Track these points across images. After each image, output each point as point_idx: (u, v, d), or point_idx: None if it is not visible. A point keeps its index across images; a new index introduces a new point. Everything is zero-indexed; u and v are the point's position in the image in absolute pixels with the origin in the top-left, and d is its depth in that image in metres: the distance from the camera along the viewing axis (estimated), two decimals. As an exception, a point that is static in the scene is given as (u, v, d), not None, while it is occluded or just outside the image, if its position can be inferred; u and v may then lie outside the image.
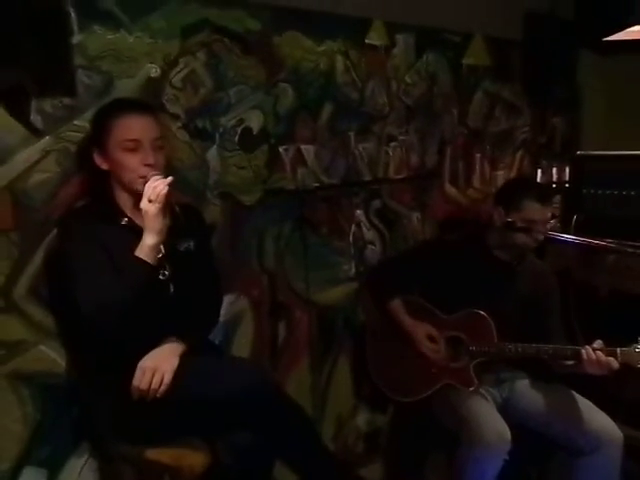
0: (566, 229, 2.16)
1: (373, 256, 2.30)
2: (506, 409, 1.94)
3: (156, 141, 1.44)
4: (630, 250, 1.83)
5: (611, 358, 1.70)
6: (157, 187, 1.31)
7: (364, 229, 2.27)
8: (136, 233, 1.38)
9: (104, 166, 1.44)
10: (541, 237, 1.87)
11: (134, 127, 1.41)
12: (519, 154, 2.79)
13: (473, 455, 1.76)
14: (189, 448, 1.32)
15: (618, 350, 1.72)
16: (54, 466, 1.59)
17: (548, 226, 1.89)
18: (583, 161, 2.17)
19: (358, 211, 2.24)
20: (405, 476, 2.30)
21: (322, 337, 2.18)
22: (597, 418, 1.81)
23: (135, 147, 1.40)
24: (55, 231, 1.49)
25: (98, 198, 1.49)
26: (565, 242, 1.74)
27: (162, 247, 1.40)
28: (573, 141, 2.95)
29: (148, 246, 1.32)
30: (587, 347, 1.73)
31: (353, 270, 2.24)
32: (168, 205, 1.33)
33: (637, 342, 1.72)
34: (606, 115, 2.88)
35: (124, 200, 1.46)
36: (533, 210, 1.85)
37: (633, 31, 2.05)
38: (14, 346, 1.51)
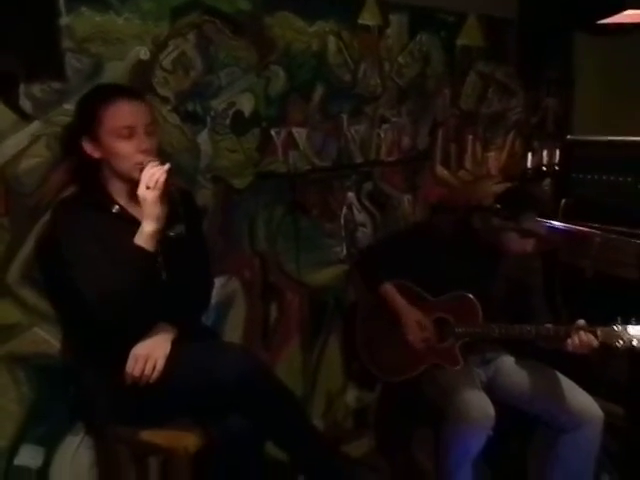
0: (554, 213, 2.18)
1: (364, 238, 2.32)
2: (491, 388, 2.00)
3: (149, 126, 1.43)
4: (615, 237, 1.86)
5: (592, 337, 1.76)
6: (155, 174, 1.31)
7: (355, 211, 2.29)
8: (128, 221, 1.38)
9: (95, 154, 1.42)
10: (529, 248, 1.90)
11: (127, 113, 1.39)
12: (511, 135, 2.80)
13: (458, 431, 1.82)
14: (183, 430, 1.36)
15: (598, 330, 1.78)
16: (50, 444, 1.64)
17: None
18: (572, 146, 2.18)
19: (350, 193, 2.25)
20: (393, 451, 2.37)
21: (313, 317, 2.21)
22: (579, 397, 1.87)
23: (130, 134, 1.39)
24: (47, 218, 1.49)
25: (88, 186, 1.48)
26: (552, 228, 1.76)
27: None
28: (566, 122, 2.95)
29: (147, 233, 1.33)
30: (569, 327, 1.78)
31: (344, 252, 2.27)
32: (166, 192, 1.33)
33: (616, 322, 1.77)
34: (600, 96, 2.87)
35: (116, 188, 1.46)
36: (532, 222, 1.85)
37: (628, 14, 2.03)
38: (9, 329, 1.54)
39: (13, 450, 1.57)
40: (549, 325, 1.88)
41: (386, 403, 2.42)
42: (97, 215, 1.41)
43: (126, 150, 1.39)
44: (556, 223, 1.81)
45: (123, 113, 1.39)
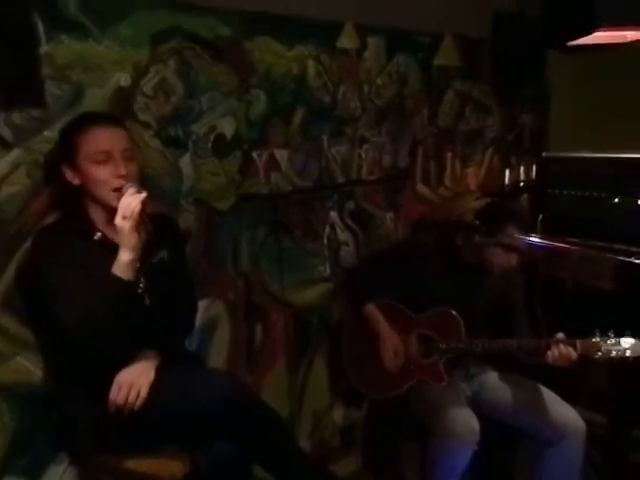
0: (532, 228, 2.22)
1: (347, 256, 2.34)
2: (476, 402, 2.02)
3: (126, 152, 1.43)
4: (591, 252, 1.90)
5: (571, 349, 1.79)
6: (131, 204, 1.32)
7: (338, 230, 2.31)
8: (110, 248, 1.38)
9: (75, 181, 1.43)
10: (513, 262, 1.93)
11: (103, 139, 1.40)
12: (489, 152, 2.85)
13: (444, 446, 1.84)
14: (168, 457, 1.35)
15: (578, 342, 1.81)
16: (34, 474, 1.62)
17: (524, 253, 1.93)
18: (548, 162, 2.23)
19: (332, 213, 2.27)
20: (381, 468, 2.37)
21: (298, 337, 2.22)
22: (562, 409, 1.90)
23: (106, 159, 1.40)
24: (28, 246, 1.49)
25: (70, 213, 1.49)
26: (531, 244, 1.80)
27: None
28: (542, 137, 3.02)
29: (124, 262, 1.33)
30: (550, 339, 1.82)
31: (328, 271, 2.28)
32: (142, 221, 1.34)
33: (594, 334, 1.81)
34: (575, 111, 2.94)
35: (97, 215, 1.46)
36: (512, 235, 1.88)
37: (597, 36, 2.10)
38: (-10, 359, 1.52)
39: (-5, 482, 1.55)
40: (531, 339, 1.91)
41: (373, 420, 2.43)
42: (78, 242, 1.41)
43: (102, 175, 1.40)
44: (535, 239, 1.85)
45: (99, 138, 1.40)
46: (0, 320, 1.53)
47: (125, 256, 1.33)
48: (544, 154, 2.27)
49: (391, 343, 2.03)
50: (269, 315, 2.13)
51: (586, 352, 1.81)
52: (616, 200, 2.10)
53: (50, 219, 1.53)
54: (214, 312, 1.98)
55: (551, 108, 2.99)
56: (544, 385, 1.98)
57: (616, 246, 1.97)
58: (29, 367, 1.57)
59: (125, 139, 1.45)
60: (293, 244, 2.16)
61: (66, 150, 1.43)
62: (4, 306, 1.53)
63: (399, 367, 2.02)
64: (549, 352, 1.81)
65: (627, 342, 1.77)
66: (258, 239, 2.05)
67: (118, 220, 1.32)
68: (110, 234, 1.44)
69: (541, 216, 2.20)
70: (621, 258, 1.91)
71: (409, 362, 2.03)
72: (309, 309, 2.24)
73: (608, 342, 1.79)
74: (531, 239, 1.82)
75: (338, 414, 2.39)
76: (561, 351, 1.80)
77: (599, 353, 1.79)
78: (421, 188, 2.60)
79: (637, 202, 2.09)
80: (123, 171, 1.39)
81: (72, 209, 1.48)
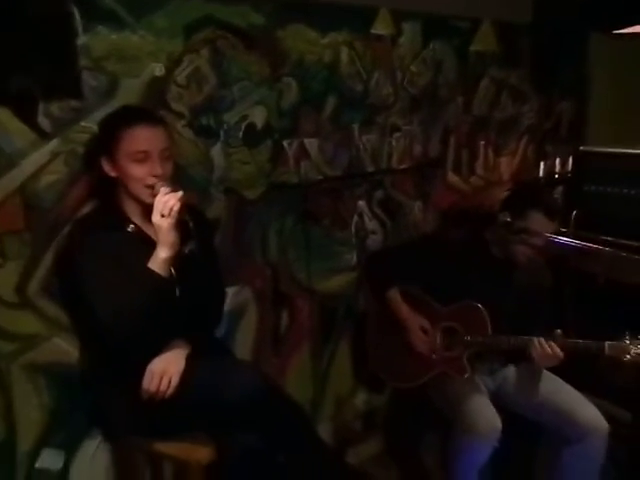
0: (565, 224, 2.18)
1: (375, 245, 2.34)
2: (498, 397, 2.03)
3: (164, 151, 1.46)
4: (625, 255, 1.85)
5: (557, 350, 1.79)
6: (169, 202, 1.34)
7: (366, 219, 2.31)
8: (143, 240, 1.42)
9: (112, 173, 1.47)
10: (539, 246, 1.90)
11: (143, 138, 1.43)
12: (524, 140, 2.78)
13: (465, 442, 1.86)
14: (196, 443, 1.41)
15: (606, 344, 1.79)
16: (70, 448, 1.71)
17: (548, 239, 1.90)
18: (585, 157, 2.16)
19: (360, 202, 2.27)
20: (402, 454, 2.42)
21: (323, 324, 2.25)
22: (585, 409, 1.89)
23: (144, 158, 1.43)
24: (65, 234, 1.54)
25: (105, 204, 1.53)
26: (560, 244, 1.77)
27: None
28: (580, 127, 2.92)
29: (162, 259, 1.37)
30: (538, 339, 1.82)
31: (355, 259, 2.29)
32: (180, 219, 1.36)
33: (624, 337, 1.78)
34: (615, 100, 2.83)
35: (131, 207, 1.50)
36: (538, 222, 1.87)
37: (642, 27, 2.01)
38: (29, 339, 1.60)
39: (34, 454, 1.64)
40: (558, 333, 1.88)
41: (395, 406, 2.46)
42: (113, 234, 1.45)
43: (138, 174, 1.43)
44: (566, 237, 1.81)
45: (140, 138, 1.43)
46: (38, 303, 1.59)
47: (163, 253, 1.36)
48: (581, 148, 2.20)
49: (415, 321, 2.03)
50: (295, 302, 2.16)
51: (614, 354, 1.79)
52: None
53: (86, 209, 1.58)
54: (242, 298, 2.02)
55: (592, 95, 2.88)
56: (569, 379, 1.97)
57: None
58: (66, 348, 1.65)
59: (165, 139, 1.47)
60: (321, 233, 2.18)
61: (105, 143, 1.46)
62: (43, 290, 1.59)
63: (430, 346, 2.01)
64: (533, 351, 1.82)
65: (657, 346, 1.74)
66: (287, 228, 2.07)
67: (156, 218, 1.35)
68: (144, 226, 1.48)
69: (575, 212, 2.14)
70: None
71: (432, 352, 2.04)
72: (335, 297, 2.27)
73: (638, 345, 1.76)
74: (563, 237, 1.78)
75: (360, 399, 2.43)
76: (546, 352, 1.79)
77: (627, 356, 1.77)
78: (452, 177, 2.56)
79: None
80: (159, 171, 1.42)
81: (107, 200, 1.52)
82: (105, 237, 1.43)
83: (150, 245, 1.41)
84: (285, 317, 2.15)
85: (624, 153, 2.07)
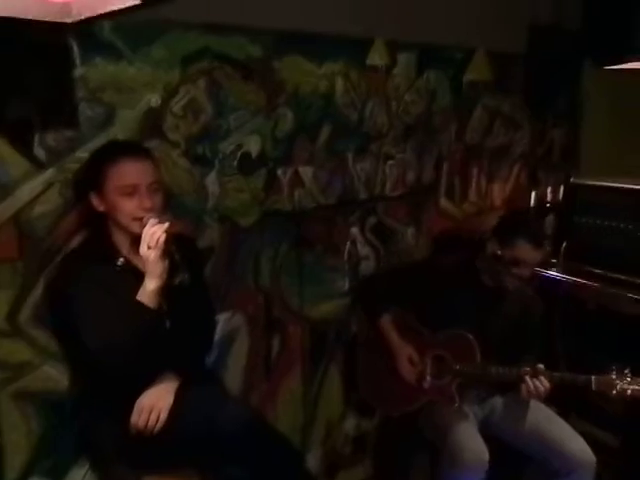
0: (555, 255, 2.20)
1: (367, 271, 2.36)
2: (487, 425, 2.04)
3: (153, 185, 1.47)
4: (613, 292, 1.87)
5: (541, 388, 1.81)
6: (155, 233, 1.35)
7: (359, 245, 2.32)
8: (133, 273, 1.43)
9: (101, 208, 1.48)
10: (526, 276, 1.93)
11: (131, 172, 1.44)
12: (516, 167, 2.81)
13: (452, 474, 1.86)
14: (184, 477, 1.41)
15: (593, 378, 1.81)
16: (57, 475, 1.70)
17: (535, 268, 1.93)
18: (576, 189, 2.19)
19: (353, 228, 2.28)
20: (391, 477, 2.42)
21: (314, 349, 2.25)
22: (573, 442, 1.90)
23: (132, 192, 1.43)
24: (55, 266, 1.54)
25: (94, 236, 1.54)
26: (549, 280, 1.79)
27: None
28: (572, 153, 2.96)
29: (150, 290, 1.37)
30: (525, 373, 1.83)
31: (347, 285, 2.31)
32: (167, 249, 1.37)
33: (611, 371, 1.79)
34: (608, 128, 2.87)
35: (121, 240, 1.51)
36: (524, 250, 1.89)
37: (635, 65, 2.04)
38: (20, 367, 1.60)
39: (22, 482, 1.64)
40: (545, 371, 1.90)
41: (385, 431, 2.47)
42: (102, 267, 1.46)
43: (127, 208, 1.44)
44: (554, 273, 1.83)
45: (127, 172, 1.44)
46: (30, 332, 1.60)
47: (151, 285, 1.37)
48: (572, 180, 2.22)
49: (404, 352, 2.04)
50: (287, 328, 2.16)
51: (601, 389, 1.80)
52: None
53: (75, 242, 1.58)
54: (234, 324, 2.03)
55: (583, 124, 2.92)
56: (557, 403, 1.98)
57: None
58: (56, 376, 1.65)
59: (153, 172, 1.48)
60: (314, 259, 2.19)
61: (93, 178, 1.47)
62: (34, 318, 1.60)
63: (417, 376, 2.03)
64: (522, 385, 1.83)
65: (644, 381, 1.76)
66: (280, 254, 2.08)
67: (143, 250, 1.36)
68: (133, 259, 1.49)
69: (565, 243, 2.17)
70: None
71: (421, 380, 2.05)
72: (326, 322, 2.28)
73: (624, 380, 1.78)
74: (552, 272, 1.80)
75: (350, 424, 2.43)
76: (533, 385, 1.81)
77: (614, 391, 1.79)
78: (444, 203, 2.59)
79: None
80: (148, 204, 1.43)
81: (96, 232, 1.52)
82: (94, 270, 1.43)
83: (139, 277, 1.42)
84: (277, 343, 2.16)
85: (613, 187, 2.10)
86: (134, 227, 1.44)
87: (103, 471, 1.58)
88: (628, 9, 2.25)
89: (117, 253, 1.49)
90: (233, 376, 2.04)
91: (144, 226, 1.40)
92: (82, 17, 0.94)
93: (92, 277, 1.41)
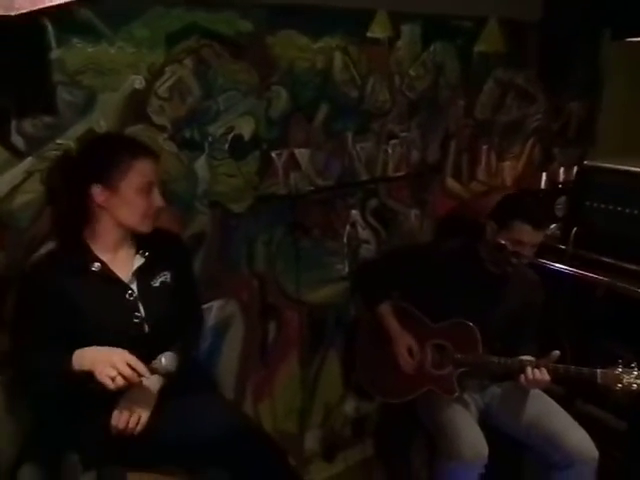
0: (564, 241, 2.09)
1: (368, 254, 2.29)
2: (487, 415, 2.00)
3: (158, 182, 1.48)
4: (621, 286, 1.77)
5: (545, 376, 1.76)
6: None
7: (359, 229, 2.24)
8: (107, 280, 1.39)
9: (103, 202, 1.42)
10: (528, 257, 1.84)
11: (151, 170, 1.45)
12: (529, 143, 2.68)
13: (449, 467, 1.83)
14: (169, 475, 1.40)
15: (598, 372, 1.74)
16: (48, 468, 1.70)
17: (535, 249, 1.84)
18: (589, 172, 2.05)
19: (353, 211, 2.20)
20: (391, 458, 2.42)
21: (313, 334, 2.22)
22: (574, 435, 1.85)
23: (149, 189, 1.44)
24: (24, 277, 1.46)
25: (68, 240, 1.47)
26: (554, 272, 1.69)
27: (135, 288, 1.41)
28: (590, 128, 2.80)
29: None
30: (528, 363, 1.78)
31: (346, 269, 2.24)
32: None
33: (617, 365, 1.73)
34: (628, 101, 2.71)
35: (104, 239, 1.45)
36: (523, 232, 1.80)
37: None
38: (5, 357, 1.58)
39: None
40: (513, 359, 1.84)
41: (385, 415, 2.45)
42: (73, 278, 1.40)
43: (143, 205, 1.43)
44: (560, 266, 1.74)
45: (148, 169, 1.44)
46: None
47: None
48: (585, 162, 2.08)
49: (403, 341, 2.00)
50: (283, 313, 2.12)
51: (606, 383, 1.74)
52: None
53: (44, 250, 1.51)
54: (228, 312, 1.99)
55: (603, 96, 2.75)
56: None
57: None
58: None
59: (159, 171, 1.49)
60: (311, 243, 2.12)
61: (104, 170, 1.41)
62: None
63: (415, 367, 1.99)
64: (522, 375, 1.78)
65: (650, 376, 1.69)
66: (275, 240, 2.02)
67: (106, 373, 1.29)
68: (111, 263, 1.44)
69: (575, 229, 2.05)
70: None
71: (421, 369, 2.01)
72: (324, 307, 2.23)
73: (630, 375, 1.71)
74: (558, 264, 1.70)
75: (349, 406, 2.42)
76: (533, 376, 1.76)
77: (619, 385, 1.72)
78: (451, 183, 2.48)
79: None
80: (160, 202, 1.45)
81: (71, 235, 1.46)
82: (64, 281, 1.38)
83: (115, 284, 1.38)
84: (273, 328, 2.12)
85: (629, 171, 1.96)
86: (142, 226, 1.43)
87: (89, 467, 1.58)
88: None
89: (92, 258, 1.44)
90: (228, 364, 2.02)
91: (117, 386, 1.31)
92: (23, 11, 0.86)
93: (59, 291, 1.37)
